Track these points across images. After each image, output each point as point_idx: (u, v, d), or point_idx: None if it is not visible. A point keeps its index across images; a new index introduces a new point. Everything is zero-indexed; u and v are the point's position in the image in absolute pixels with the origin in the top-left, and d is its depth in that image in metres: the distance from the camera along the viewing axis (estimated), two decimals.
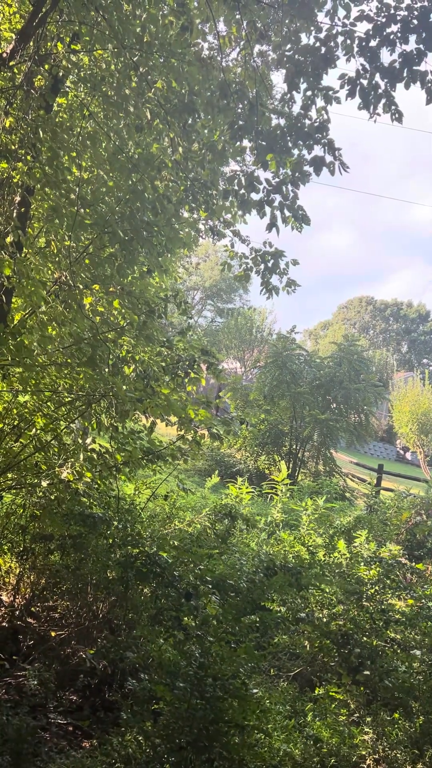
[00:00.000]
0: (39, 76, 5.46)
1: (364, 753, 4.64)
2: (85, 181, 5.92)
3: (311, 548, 7.58)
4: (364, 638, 4.91)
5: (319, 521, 9.81)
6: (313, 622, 4.98)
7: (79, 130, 5.64)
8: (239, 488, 10.01)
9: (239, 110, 5.46)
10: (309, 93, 5.44)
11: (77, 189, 5.31)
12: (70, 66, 5.47)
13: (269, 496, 12.26)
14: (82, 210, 5.30)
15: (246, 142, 5.58)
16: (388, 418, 34.39)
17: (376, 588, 6.84)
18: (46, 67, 5.41)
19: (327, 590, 5.33)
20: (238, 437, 18.71)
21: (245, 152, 5.86)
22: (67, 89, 6.19)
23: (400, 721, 4.86)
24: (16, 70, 5.50)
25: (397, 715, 4.88)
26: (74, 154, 5.63)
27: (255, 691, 4.15)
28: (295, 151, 5.27)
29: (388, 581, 7.28)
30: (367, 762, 4.58)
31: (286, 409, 18.69)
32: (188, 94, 5.48)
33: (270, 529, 9.73)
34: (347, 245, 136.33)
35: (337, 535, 8.06)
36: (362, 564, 7.42)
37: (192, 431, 5.73)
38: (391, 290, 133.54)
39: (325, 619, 4.96)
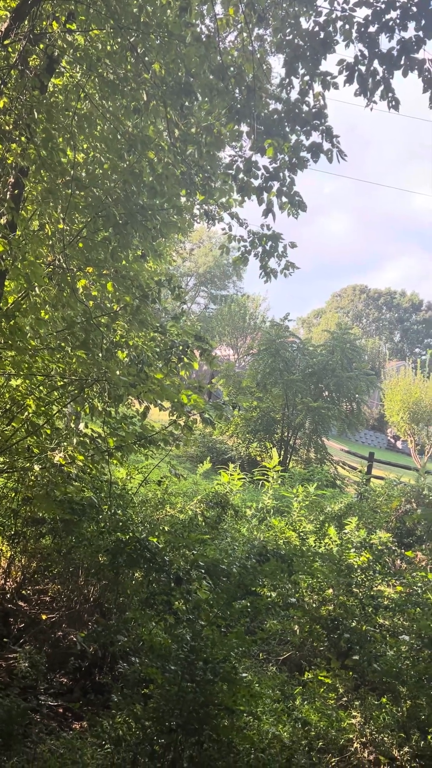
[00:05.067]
0: (34, 56, 5.37)
1: (351, 736, 4.69)
2: (80, 164, 5.86)
3: (302, 534, 7.63)
4: (354, 623, 4.95)
5: (310, 508, 9.87)
6: (303, 607, 5.02)
7: (74, 111, 5.57)
8: (231, 475, 10.04)
9: (237, 94, 5.41)
10: (307, 78, 5.40)
11: (72, 171, 5.26)
12: (65, 46, 5.39)
13: (260, 482, 12.30)
14: (77, 192, 5.25)
15: (244, 127, 5.53)
16: (379, 407, 34.51)
17: (367, 574, 6.90)
18: (41, 46, 5.33)
19: (317, 576, 5.37)
20: (230, 424, 18.74)
21: (242, 136, 5.82)
22: (63, 70, 6.10)
23: (387, 706, 4.92)
24: (10, 50, 5.42)
25: (384, 700, 4.93)
26: (69, 135, 5.57)
27: (245, 675, 4.19)
28: (293, 137, 5.23)
29: (378, 567, 7.34)
30: (355, 745, 4.64)
31: (278, 396, 18.72)
32: (185, 75, 5.42)
33: (261, 516, 9.78)
34: (343, 233, 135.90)
35: (328, 522, 8.10)
36: (352, 550, 7.48)
37: (184, 416, 5.73)
38: (386, 279, 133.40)
39: (315, 605, 5.00)
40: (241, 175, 5.47)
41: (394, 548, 9.86)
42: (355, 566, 6.92)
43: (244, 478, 10.92)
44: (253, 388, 18.90)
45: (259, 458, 18.20)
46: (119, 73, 5.36)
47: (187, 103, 5.60)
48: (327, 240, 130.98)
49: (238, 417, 18.80)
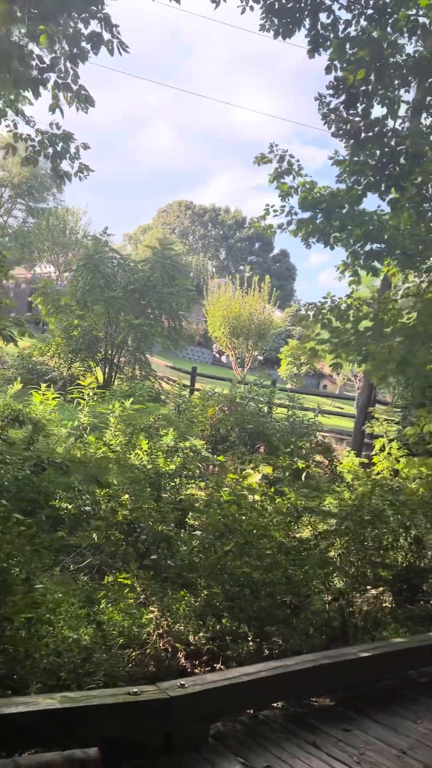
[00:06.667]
0: None
1: (150, 630, 4.93)
2: None
3: (112, 447, 7.69)
4: (151, 524, 5.14)
5: (126, 422, 9.95)
6: (99, 514, 5.11)
7: None
8: (43, 395, 9.77)
9: None
10: None
11: None
12: None
13: (75, 400, 12.14)
14: None
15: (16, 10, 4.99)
16: (204, 323, 35.33)
17: (177, 481, 7.16)
18: None
19: (114, 483, 5.46)
20: (51, 343, 18.16)
21: (15, 18, 5.25)
22: None
23: (186, 598, 5.21)
24: None
25: (183, 593, 5.22)
26: None
27: (39, 585, 4.19)
28: (71, 26, 4.82)
29: (186, 472, 7.65)
30: (153, 637, 4.88)
31: (100, 314, 18.36)
32: None
33: (78, 433, 9.70)
34: (170, 147, 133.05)
35: (137, 433, 8.23)
36: (163, 458, 7.71)
37: None
38: (212, 195, 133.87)
39: (110, 511, 5.10)
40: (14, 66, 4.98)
41: (206, 454, 10.34)
42: (164, 472, 7.15)
43: (59, 398, 10.70)
44: (74, 305, 18.33)
45: (82, 378, 17.94)
46: None
47: None
48: (153, 154, 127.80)
49: (59, 336, 18.25)
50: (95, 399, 11.84)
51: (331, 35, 6.60)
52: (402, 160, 6.73)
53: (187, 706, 3.32)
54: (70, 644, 4.60)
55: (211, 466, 9.87)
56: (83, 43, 4.88)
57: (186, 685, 3.40)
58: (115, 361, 18.83)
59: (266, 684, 3.73)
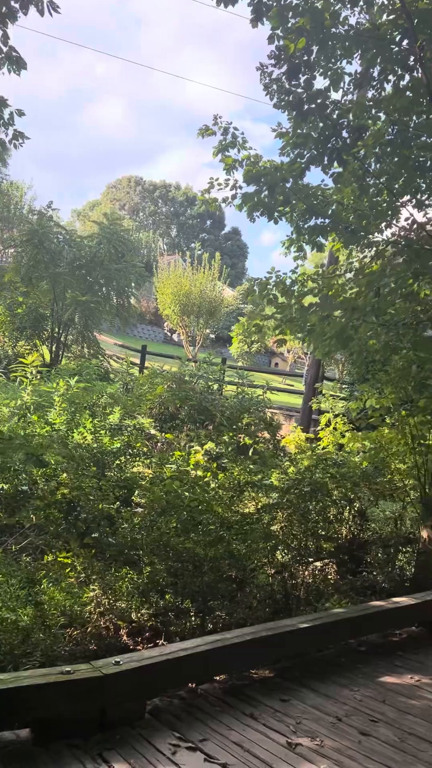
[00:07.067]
0: None
1: (91, 608, 4.87)
2: None
3: (56, 426, 7.53)
4: (92, 503, 5.05)
5: (71, 401, 9.77)
6: (36, 493, 5.00)
7: None
8: None
9: None
10: None
11: None
12: None
13: (18, 379, 11.86)
14: None
15: None
16: (155, 301, 35.00)
17: (123, 459, 7.06)
18: None
19: (52, 462, 5.34)
20: None
21: None
22: None
23: (129, 575, 5.16)
24: None
25: (125, 570, 5.17)
26: None
27: None
28: None
29: (133, 450, 7.56)
30: (94, 616, 4.83)
31: (46, 291, 17.90)
32: None
33: (21, 413, 9.48)
34: (119, 121, 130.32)
35: (81, 411, 8.08)
36: (108, 436, 7.59)
37: None
38: (163, 172, 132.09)
39: (50, 490, 5.00)
40: None
41: (154, 432, 10.27)
42: (108, 450, 7.05)
43: (1, 377, 10.42)
44: (18, 282, 17.83)
45: (27, 357, 17.54)
46: None
47: None
48: (104, 128, 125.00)
49: (3, 314, 17.75)
50: (40, 378, 11.59)
51: (274, 3, 6.46)
52: (345, 134, 6.69)
53: (122, 684, 3.28)
54: (8, 625, 4.51)
55: (159, 444, 9.80)
56: (12, 2, 4.64)
57: (121, 663, 3.35)
58: (62, 339, 18.44)
59: (205, 658, 3.72)
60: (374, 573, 6.47)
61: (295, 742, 3.32)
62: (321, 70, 6.72)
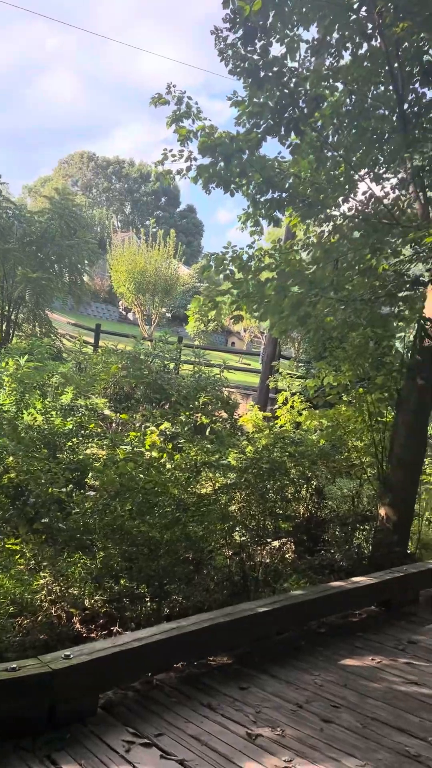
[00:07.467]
0: None
1: (42, 596, 4.67)
2: None
3: (3, 407, 7.22)
4: (41, 487, 4.82)
5: (21, 381, 9.43)
6: None
7: None
8: None
9: None
10: None
11: None
12: None
13: None
14: None
15: None
16: (109, 279, 34.38)
17: (75, 440, 6.80)
18: None
19: None
20: None
21: None
22: None
23: (82, 561, 4.96)
24: None
25: (78, 556, 4.96)
26: None
27: None
28: None
29: (86, 431, 7.30)
30: (45, 604, 4.63)
31: None
32: None
33: None
34: (72, 95, 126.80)
35: (31, 391, 7.78)
36: (60, 417, 7.32)
37: None
38: (117, 148, 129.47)
39: None
40: None
41: (108, 413, 10.01)
42: (60, 431, 6.79)
43: None
44: None
45: None
46: None
47: None
48: (54, 103, 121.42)
49: None
50: None
51: None
52: (302, 103, 6.49)
53: (72, 679, 3.10)
54: None
55: (113, 425, 9.56)
56: None
57: (71, 656, 3.17)
58: (12, 317, 17.88)
59: (160, 648, 3.57)
60: (332, 551, 6.42)
61: (256, 732, 3.20)
62: (278, 36, 6.48)
